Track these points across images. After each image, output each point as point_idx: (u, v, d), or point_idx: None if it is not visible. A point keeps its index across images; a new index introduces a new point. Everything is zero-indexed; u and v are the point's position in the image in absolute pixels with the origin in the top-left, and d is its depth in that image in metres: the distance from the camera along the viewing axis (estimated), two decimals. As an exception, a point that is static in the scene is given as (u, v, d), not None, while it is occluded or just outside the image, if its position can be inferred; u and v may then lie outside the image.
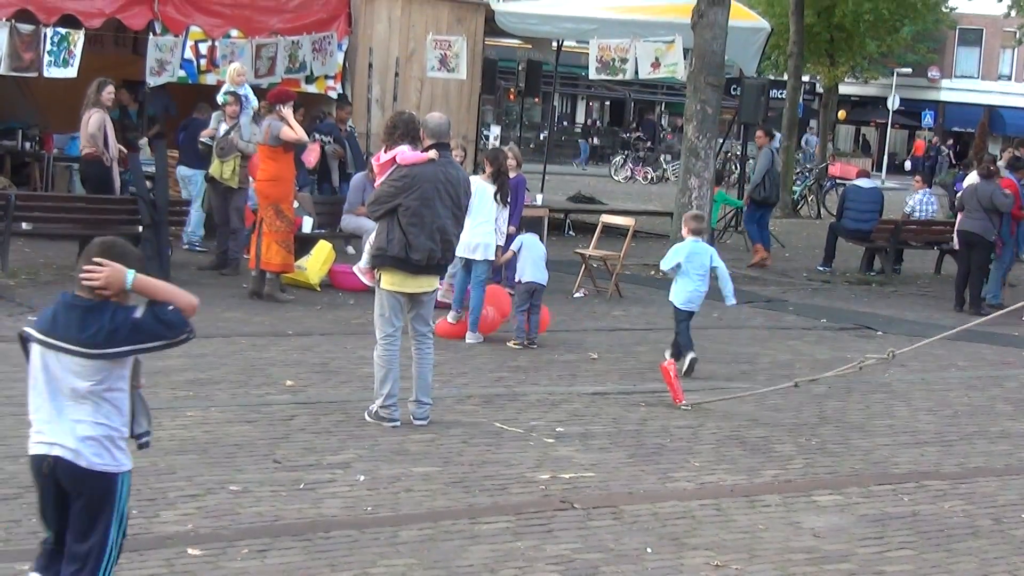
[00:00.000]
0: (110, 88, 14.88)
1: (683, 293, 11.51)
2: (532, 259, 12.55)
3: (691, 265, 11.46)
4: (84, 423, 5.16)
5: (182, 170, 16.83)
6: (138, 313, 5.00)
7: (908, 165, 52.74)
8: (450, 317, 12.46)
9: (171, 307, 5.03)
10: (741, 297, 16.50)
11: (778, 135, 26.52)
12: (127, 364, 5.14)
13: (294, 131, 13.58)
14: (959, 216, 17.48)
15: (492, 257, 12.50)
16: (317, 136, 17.81)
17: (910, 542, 7.31)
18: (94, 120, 14.50)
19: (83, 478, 5.09)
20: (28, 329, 5.24)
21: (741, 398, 10.53)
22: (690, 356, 11.42)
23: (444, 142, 9.28)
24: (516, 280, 12.63)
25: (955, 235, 17.44)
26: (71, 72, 16.23)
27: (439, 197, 9.04)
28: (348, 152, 18.36)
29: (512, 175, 15.21)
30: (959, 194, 18.59)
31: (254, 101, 15.66)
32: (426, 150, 9.12)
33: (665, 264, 11.73)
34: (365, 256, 9.48)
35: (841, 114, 53.28)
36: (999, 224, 17.02)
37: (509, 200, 13.02)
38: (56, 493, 5.20)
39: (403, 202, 8.96)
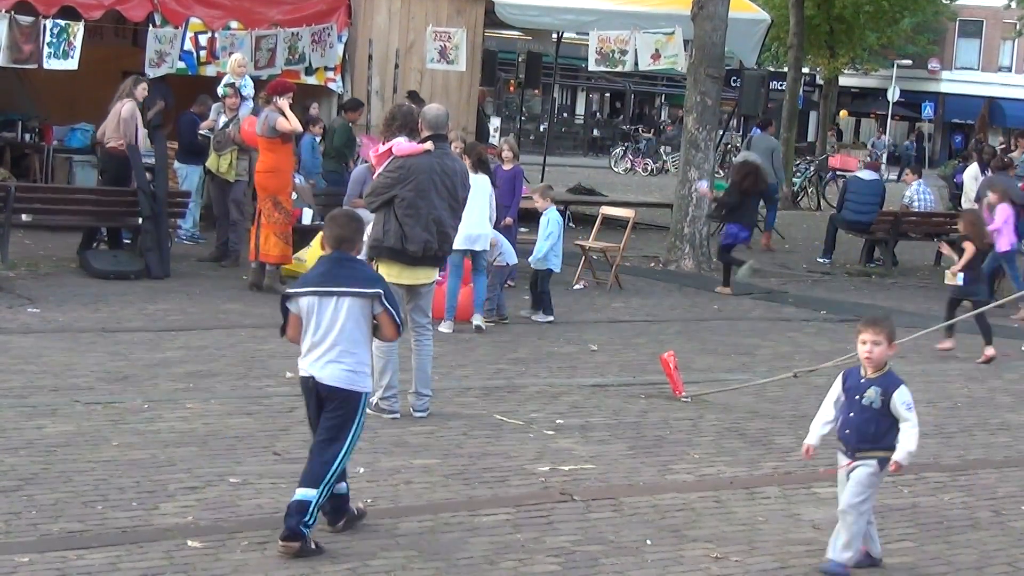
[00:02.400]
0: (144, 85, 14.92)
1: None
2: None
3: None
4: None
5: (177, 165, 16.79)
6: None
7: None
8: (444, 327, 12.33)
9: None
10: (742, 289, 16.54)
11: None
12: None
13: (289, 122, 13.59)
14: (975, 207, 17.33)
15: (488, 248, 12.60)
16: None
17: (910, 534, 7.31)
18: (128, 107, 14.50)
19: None
20: None
21: (741, 390, 10.54)
22: None
23: (441, 133, 9.29)
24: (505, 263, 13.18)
25: None
26: (71, 64, 16.22)
27: (435, 188, 9.04)
28: None
29: (509, 167, 15.29)
30: (969, 187, 18.59)
31: (251, 90, 15.67)
32: (423, 141, 9.12)
33: None
34: (363, 248, 9.48)
35: (843, 113, 53.07)
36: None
37: (503, 189, 13.31)
38: None
39: (399, 193, 8.96)
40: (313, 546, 6.27)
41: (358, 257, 6.82)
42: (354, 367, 6.48)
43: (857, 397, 6.48)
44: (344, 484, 6.59)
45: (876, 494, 6.65)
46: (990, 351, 12.76)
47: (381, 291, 6.51)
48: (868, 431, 6.44)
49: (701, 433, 9.29)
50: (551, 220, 13.50)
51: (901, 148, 52.75)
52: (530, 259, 13.44)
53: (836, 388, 6.64)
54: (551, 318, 13.29)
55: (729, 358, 12.19)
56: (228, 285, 13.97)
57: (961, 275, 12.95)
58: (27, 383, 9.20)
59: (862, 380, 6.50)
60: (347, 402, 6.48)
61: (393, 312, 6.56)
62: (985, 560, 6.98)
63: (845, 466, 6.54)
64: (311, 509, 6.28)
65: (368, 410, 8.99)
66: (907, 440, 6.39)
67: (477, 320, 12.49)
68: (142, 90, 14.80)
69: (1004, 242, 15.19)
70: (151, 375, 9.85)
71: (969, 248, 13.02)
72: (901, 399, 6.42)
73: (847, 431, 6.52)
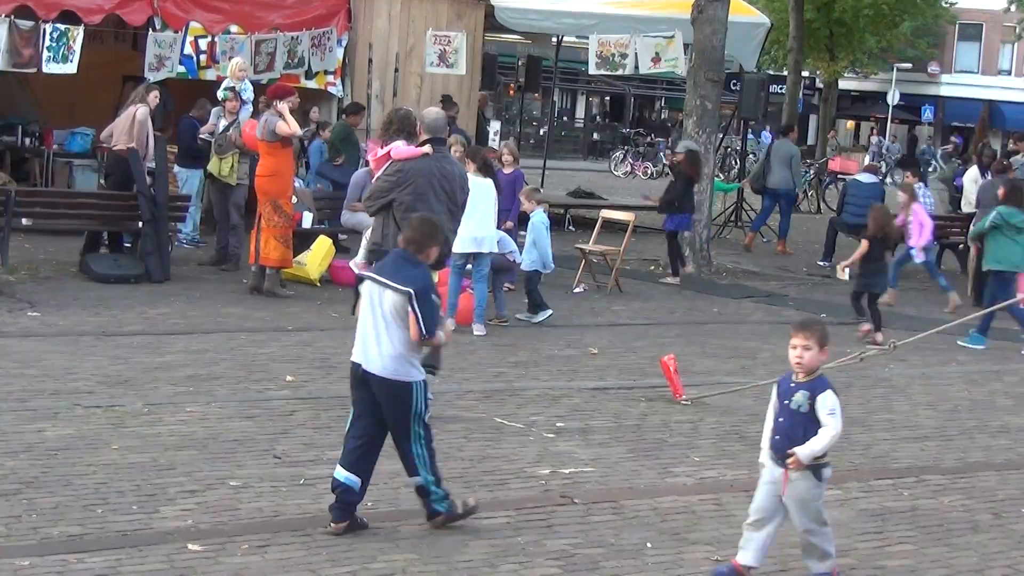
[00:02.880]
0: (156, 92, 14.95)
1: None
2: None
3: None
4: None
5: (177, 169, 16.79)
6: None
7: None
8: (447, 323, 12.46)
9: None
10: (742, 292, 16.55)
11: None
12: None
13: (288, 126, 13.59)
14: (977, 212, 17.32)
15: (496, 250, 12.65)
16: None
17: (910, 537, 7.31)
18: (142, 111, 14.51)
19: None
20: None
21: (741, 392, 10.53)
22: None
23: (440, 137, 9.28)
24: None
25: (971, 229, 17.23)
26: (70, 68, 16.22)
27: (433, 192, 9.04)
28: None
29: (509, 170, 15.33)
30: (967, 190, 18.59)
31: (251, 94, 15.68)
32: (422, 145, 9.12)
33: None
34: (362, 251, 9.48)
35: (849, 124, 52.87)
36: None
37: (504, 193, 13.35)
38: None
39: (397, 197, 8.96)
40: (459, 511, 6.93)
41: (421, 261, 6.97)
42: (394, 356, 6.74)
43: (786, 402, 6.34)
44: (354, 486, 6.80)
45: (823, 500, 6.42)
46: (879, 336, 13.28)
47: (412, 291, 6.68)
48: (797, 436, 6.25)
49: (701, 436, 9.29)
50: (535, 225, 13.68)
51: (881, 147, 52.11)
52: (521, 265, 13.70)
53: (772, 397, 6.50)
54: (543, 316, 13.38)
55: (729, 361, 12.19)
56: (228, 289, 13.98)
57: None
58: (27, 387, 9.19)
59: (792, 384, 6.35)
60: (393, 390, 6.78)
61: (419, 315, 6.67)
62: (985, 563, 6.99)
63: (781, 478, 6.30)
64: (430, 487, 6.87)
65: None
66: (816, 439, 6.20)
67: (477, 329, 12.49)
68: (154, 97, 14.82)
69: (915, 241, 16.10)
70: (151, 379, 9.85)
71: (864, 245, 13.71)
72: (824, 404, 6.25)
73: (777, 437, 6.36)
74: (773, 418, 6.43)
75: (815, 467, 6.28)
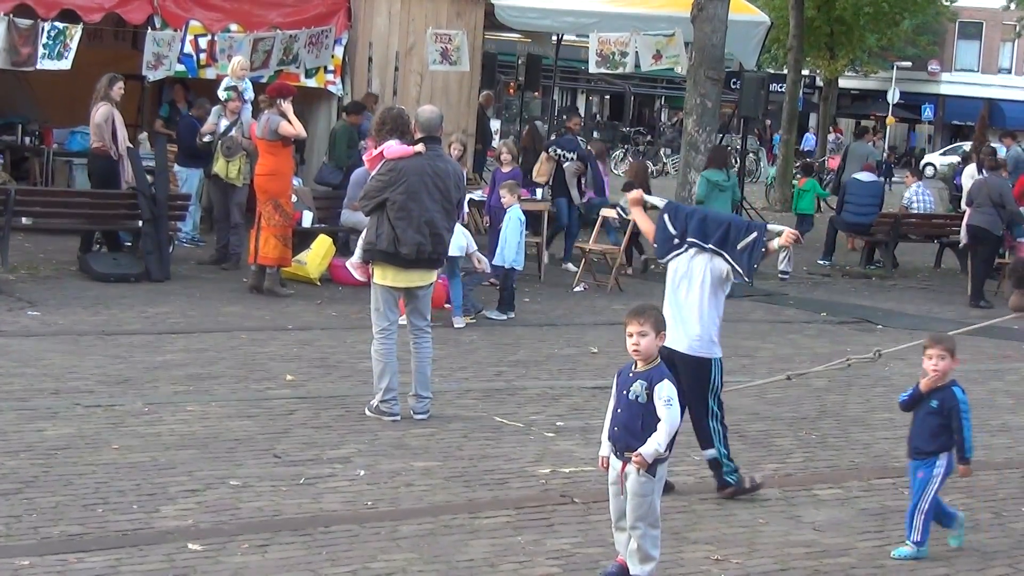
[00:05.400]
0: (120, 84, 14.76)
1: None
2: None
3: None
4: None
5: (177, 168, 16.77)
6: None
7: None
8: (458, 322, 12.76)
9: None
10: (741, 291, 16.54)
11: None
12: None
13: (293, 126, 13.58)
14: (968, 211, 17.35)
15: (459, 253, 12.51)
16: (556, 151, 17.42)
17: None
18: (101, 112, 14.43)
19: None
20: None
21: (740, 392, 10.53)
22: None
23: (434, 136, 9.28)
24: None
25: (964, 229, 17.27)
26: (65, 64, 16.16)
27: (426, 190, 9.03)
28: (589, 170, 17.73)
29: (507, 169, 15.32)
30: (968, 188, 18.58)
31: (251, 93, 15.66)
32: (415, 143, 9.12)
33: None
34: (358, 251, 9.49)
35: (890, 120, 52.53)
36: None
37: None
38: None
39: (390, 196, 8.96)
40: (747, 485, 7.70)
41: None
42: (699, 335, 7.54)
43: (625, 392, 6.11)
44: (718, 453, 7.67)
45: (659, 496, 6.19)
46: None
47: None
48: (636, 427, 6.02)
49: (701, 435, 9.27)
50: (509, 219, 13.57)
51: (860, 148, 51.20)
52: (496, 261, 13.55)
53: (613, 388, 6.26)
54: (508, 316, 13.39)
55: (729, 360, 12.07)
56: (228, 288, 13.97)
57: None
58: (27, 386, 9.19)
59: (630, 374, 6.14)
60: (696, 368, 7.43)
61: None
62: (986, 562, 6.99)
63: (619, 471, 6.12)
64: (723, 460, 7.65)
65: (369, 413, 9.07)
66: (656, 434, 5.98)
67: (458, 322, 12.61)
68: (118, 89, 14.69)
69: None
70: (151, 378, 9.85)
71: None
72: (661, 393, 6.01)
73: (615, 429, 6.13)
74: (612, 409, 6.20)
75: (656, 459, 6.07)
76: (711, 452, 7.68)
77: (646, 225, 8.13)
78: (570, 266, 17.05)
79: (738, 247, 7.63)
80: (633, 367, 6.17)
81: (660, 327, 6.16)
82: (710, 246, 7.63)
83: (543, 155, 17.80)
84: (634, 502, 6.08)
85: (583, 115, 59.03)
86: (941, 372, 6.92)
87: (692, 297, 7.63)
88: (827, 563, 6.79)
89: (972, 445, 6.94)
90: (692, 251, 7.68)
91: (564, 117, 22.91)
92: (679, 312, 7.56)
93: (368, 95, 18.49)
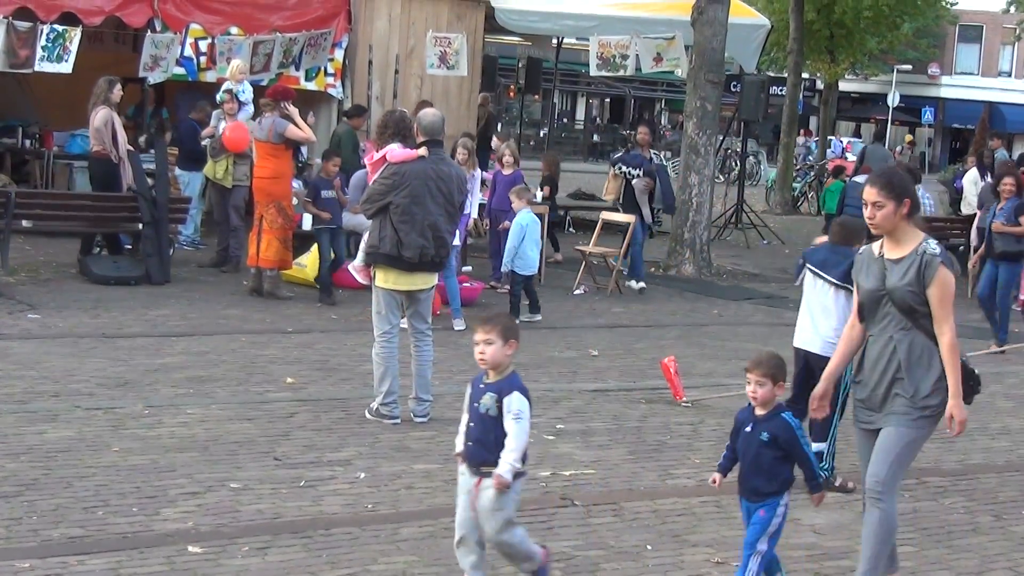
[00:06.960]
0: (119, 87, 14.78)
1: None
2: None
3: None
4: None
5: (177, 171, 16.78)
6: None
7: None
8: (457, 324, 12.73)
9: None
10: (742, 294, 16.55)
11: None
12: None
13: (302, 131, 13.59)
14: (978, 214, 17.30)
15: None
16: (621, 169, 16.50)
17: (911, 538, 7.31)
18: (100, 116, 14.43)
19: None
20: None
21: (742, 395, 10.51)
22: None
23: (437, 139, 9.28)
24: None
25: (973, 231, 17.21)
26: (66, 67, 16.16)
27: (430, 194, 9.03)
28: (658, 184, 16.73)
29: (508, 171, 15.32)
30: (969, 191, 18.59)
31: (249, 96, 15.67)
32: (418, 147, 9.12)
33: None
34: (360, 254, 9.49)
35: (907, 138, 52.45)
36: None
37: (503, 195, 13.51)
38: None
39: (393, 200, 8.96)
40: (836, 484, 8.06)
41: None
42: (831, 338, 7.88)
43: (476, 405, 5.73)
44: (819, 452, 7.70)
45: (517, 509, 5.84)
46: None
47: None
48: (488, 441, 5.65)
49: (702, 438, 9.28)
50: (516, 223, 13.50)
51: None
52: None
53: (466, 399, 5.87)
54: (538, 318, 13.53)
55: (730, 363, 12.18)
56: (228, 291, 13.98)
57: None
58: (28, 389, 9.19)
59: (481, 386, 5.76)
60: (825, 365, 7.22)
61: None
62: (986, 565, 6.98)
63: (475, 484, 5.72)
64: (823, 454, 8.03)
65: (369, 416, 9.07)
66: (507, 452, 5.58)
67: (458, 325, 12.61)
68: (117, 92, 14.70)
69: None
70: (152, 380, 9.85)
71: None
72: (510, 406, 5.61)
73: (469, 444, 5.74)
74: (464, 423, 5.83)
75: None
76: (820, 445, 7.98)
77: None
78: (632, 283, 16.31)
79: None
80: (484, 378, 5.78)
81: (510, 335, 5.72)
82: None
83: (610, 172, 16.97)
84: (494, 518, 5.71)
85: (583, 118, 59.14)
86: (760, 401, 6.27)
87: (824, 299, 8.36)
88: (828, 566, 6.79)
89: (819, 470, 6.34)
90: None
91: (631, 132, 22.34)
92: (811, 313, 8.43)
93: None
